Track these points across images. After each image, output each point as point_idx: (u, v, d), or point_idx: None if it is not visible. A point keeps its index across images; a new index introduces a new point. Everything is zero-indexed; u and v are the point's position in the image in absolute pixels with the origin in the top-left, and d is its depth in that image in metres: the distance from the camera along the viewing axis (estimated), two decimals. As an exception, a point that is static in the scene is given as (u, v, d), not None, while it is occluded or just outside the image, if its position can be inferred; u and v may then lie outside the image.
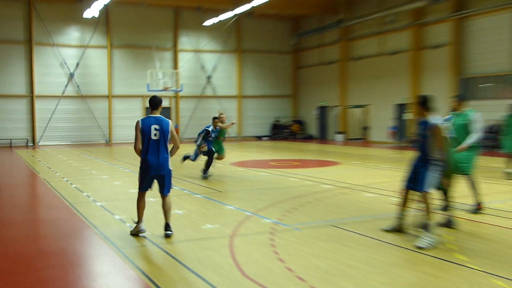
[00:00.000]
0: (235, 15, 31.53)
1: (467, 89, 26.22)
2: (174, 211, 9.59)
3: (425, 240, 7.05)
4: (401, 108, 30.26)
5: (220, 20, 32.53)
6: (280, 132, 37.66)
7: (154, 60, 33.40)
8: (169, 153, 7.61)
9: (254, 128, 37.80)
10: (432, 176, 7.32)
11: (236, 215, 9.29)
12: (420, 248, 6.92)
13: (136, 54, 34.23)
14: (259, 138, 37.30)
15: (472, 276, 5.84)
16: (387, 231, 7.87)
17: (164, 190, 7.58)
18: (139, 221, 7.61)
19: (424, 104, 7.53)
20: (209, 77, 36.35)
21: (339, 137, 34.39)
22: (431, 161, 7.32)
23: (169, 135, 7.51)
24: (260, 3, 27.94)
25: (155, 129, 7.34)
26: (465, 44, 26.26)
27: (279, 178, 14.74)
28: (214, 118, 14.87)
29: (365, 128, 34.42)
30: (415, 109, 7.30)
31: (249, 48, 37.71)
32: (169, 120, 7.60)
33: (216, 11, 32.23)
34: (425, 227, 7.25)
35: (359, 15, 30.58)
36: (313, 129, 37.90)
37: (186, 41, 35.71)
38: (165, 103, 33.87)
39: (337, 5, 31.66)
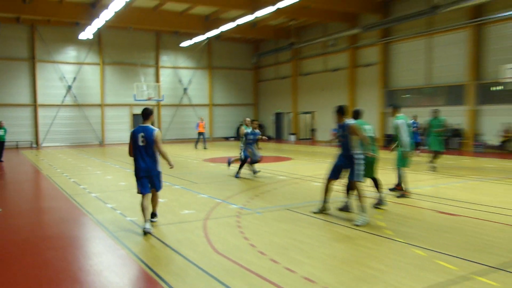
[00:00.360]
0: (207, 38, 31.45)
1: (392, 99, 26.75)
2: (161, 200, 9.53)
3: (360, 219, 7.21)
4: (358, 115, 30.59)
5: (194, 42, 32.40)
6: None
7: (140, 75, 33.01)
8: (157, 157, 7.12)
9: (222, 130, 37.72)
10: (359, 168, 7.50)
11: (209, 202, 9.26)
12: (357, 225, 7.07)
13: (124, 69, 33.69)
14: (226, 138, 37.22)
15: (397, 247, 5.97)
16: (315, 212, 8.03)
17: (156, 187, 7.25)
18: (145, 221, 6.88)
19: (340, 111, 7.81)
20: (185, 89, 36.11)
21: (292, 138, 34.60)
22: (354, 156, 7.51)
23: (153, 143, 7.01)
24: (227, 28, 27.94)
25: (142, 136, 7.00)
26: (390, 63, 26.81)
27: (243, 171, 14.73)
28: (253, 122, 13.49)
29: (313, 130, 34.75)
30: (335, 116, 7.51)
31: (218, 65, 37.59)
32: (156, 129, 7.09)
33: (190, 35, 32.07)
34: (359, 209, 7.43)
35: (307, 39, 30.81)
36: (270, 131, 38.03)
37: (166, 59, 35.35)
38: (149, 111, 33.71)
39: (289, 31, 31.89)
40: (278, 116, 37.31)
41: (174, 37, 34.55)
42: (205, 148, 25.59)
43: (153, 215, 7.52)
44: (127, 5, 21.19)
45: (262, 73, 39.16)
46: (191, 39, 31.86)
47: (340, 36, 27.84)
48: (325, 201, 8.03)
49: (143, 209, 6.95)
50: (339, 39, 28.64)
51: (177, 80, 35.89)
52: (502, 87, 20.93)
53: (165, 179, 12.65)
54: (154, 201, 7.43)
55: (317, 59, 32.53)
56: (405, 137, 9.26)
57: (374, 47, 27.52)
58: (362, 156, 7.60)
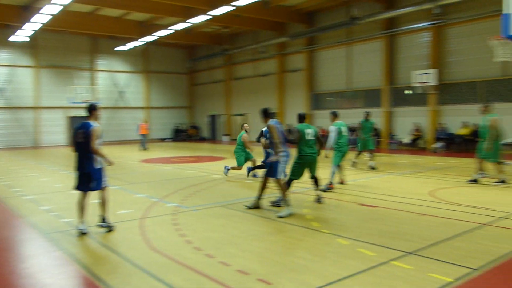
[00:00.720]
0: (143, 43, 30.70)
1: (317, 102, 27.55)
2: (93, 201, 9.11)
3: (283, 212, 7.37)
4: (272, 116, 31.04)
5: (131, 47, 31.46)
6: (179, 135, 37.12)
7: (75, 78, 31.62)
8: (93, 154, 6.38)
9: (159, 132, 36.89)
10: (279, 166, 7.62)
11: (145, 202, 8.99)
12: (280, 217, 7.23)
13: (60, 73, 31.99)
14: (163, 140, 36.48)
15: (324, 238, 6.10)
16: (249, 207, 8.07)
17: (92, 186, 6.49)
18: (81, 221, 6.44)
19: (264, 113, 8.14)
20: (122, 92, 34.98)
21: (226, 138, 34.54)
22: (278, 154, 7.60)
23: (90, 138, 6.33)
24: (162, 34, 27.40)
25: (81, 132, 6.42)
26: (315, 69, 27.53)
27: (179, 171, 14.51)
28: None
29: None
30: (261, 118, 7.72)
31: (154, 70, 36.74)
32: (94, 125, 6.43)
33: (127, 39, 31.05)
34: (282, 202, 7.63)
35: (239, 46, 30.95)
36: (205, 133, 37.78)
37: (102, 63, 34.01)
38: (85, 114, 32.31)
39: (222, 38, 31.85)
40: (213, 118, 37.14)
41: (111, 42, 33.33)
42: (145, 149, 24.87)
43: (103, 219, 6.70)
44: (62, 9, 20.13)
45: (197, 77, 38.81)
46: (127, 43, 30.93)
47: (269, 44, 28.25)
48: (259, 197, 8.07)
49: (81, 208, 6.49)
50: (268, 46, 29.03)
51: (113, 84, 34.67)
52: (411, 91, 22.18)
53: (102, 180, 12.23)
54: (101, 204, 6.71)
55: (249, 65, 32.74)
56: (331, 141, 10.14)
57: (300, 54, 28.14)
58: (285, 154, 7.69)
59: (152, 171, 14.63)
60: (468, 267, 4.78)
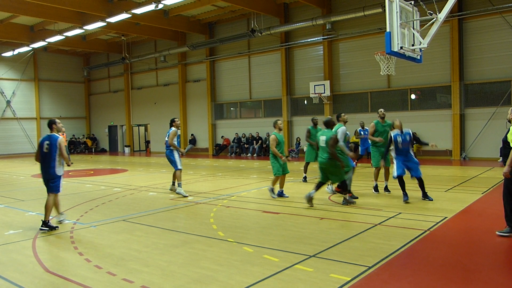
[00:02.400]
0: (32, 48, 28.54)
1: (220, 112, 27.76)
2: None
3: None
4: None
5: (18, 53, 29.00)
6: (76, 147, 34.95)
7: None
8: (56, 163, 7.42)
9: (53, 144, 34.38)
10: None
11: (38, 220, 8.27)
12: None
13: None
14: (57, 152, 34.08)
15: (229, 246, 6.11)
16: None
17: (49, 190, 7.61)
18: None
19: (171, 123, 10.13)
20: (8, 102, 32.01)
21: (127, 150, 33.34)
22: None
23: (57, 149, 7.39)
24: (55, 40, 25.74)
25: (47, 144, 7.39)
26: (217, 79, 27.75)
27: (76, 185, 13.65)
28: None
29: (147, 142, 33.99)
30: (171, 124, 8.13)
31: (46, 78, 34.20)
32: (60, 137, 7.48)
33: (13, 45, 28.67)
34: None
35: (139, 55, 30.13)
36: (105, 144, 36.07)
37: (-17, 70, 30.98)
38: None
39: (121, 46, 30.77)
40: (112, 129, 35.60)
41: (-6, 47, 30.50)
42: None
43: (44, 223, 7.35)
44: None
45: (94, 86, 36.98)
46: (14, 49, 28.48)
47: (169, 53, 27.91)
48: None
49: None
50: (169, 56, 28.66)
51: (-1, 92, 31.67)
52: (306, 101, 23.31)
53: (-14, 199, 11.06)
54: (46, 204, 7.52)
55: (149, 74, 32.00)
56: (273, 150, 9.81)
57: (202, 64, 28.19)
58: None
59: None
60: (363, 265, 5.09)
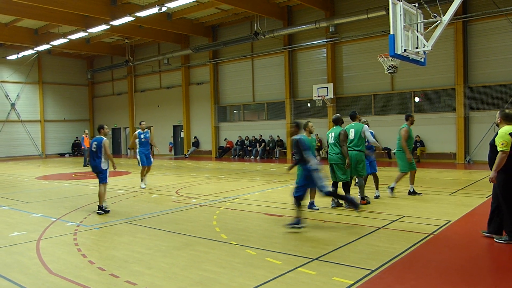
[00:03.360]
0: (36, 52, 28.70)
1: (223, 115, 27.80)
2: (-19, 224, 8.27)
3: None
4: (178, 128, 30.74)
5: (22, 56, 29.16)
6: (80, 149, 35.05)
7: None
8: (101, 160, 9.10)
9: (57, 147, 34.45)
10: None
11: (42, 222, 8.33)
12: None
13: None
14: (62, 155, 34.19)
15: (231, 249, 6.12)
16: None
17: (99, 181, 9.27)
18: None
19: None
20: (13, 104, 32.15)
21: (130, 152, 33.43)
22: None
23: (102, 148, 9.04)
24: (59, 43, 25.86)
25: (95, 144, 9.03)
26: (220, 82, 27.79)
27: (80, 187, 13.70)
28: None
29: (150, 144, 34.04)
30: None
31: (50, 80, 34.30)
32: (104, 139, 9.06)
33: (18, 48, 28.84)
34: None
35: (142, 58, 30.22)
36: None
37: (-12, 73, 31.16)
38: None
39: (124, 49, 30.88)
40: (116, 131, 35.70)
41: (-1, 50, 30.70)
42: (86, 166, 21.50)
43: (100, 208, 9.08)
44: None
45: (98, 89, 37.10)
46: (18, 52, 28.64)
47: (173, 56, 27.98)
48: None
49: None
50: (173, 59, 28.74)
51: (3, 95, 31.78)
52: (309, 104, 23.32)
53: (-10, 201, 11.13)
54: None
55: (153, 76, 32.08)
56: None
57: (205, 67, 28.23)
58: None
59: (49, 189, 13.62)
60: (367, 269, 5.08)
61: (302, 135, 7.58)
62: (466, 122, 18.80)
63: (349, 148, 8.99)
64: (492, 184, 6.21)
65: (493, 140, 6.08)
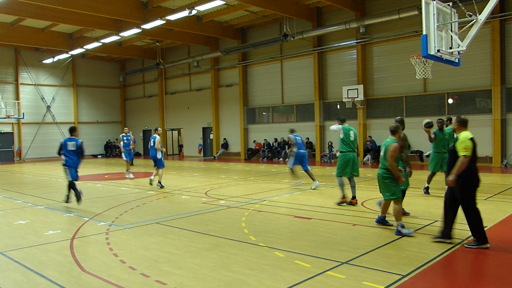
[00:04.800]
0: (71, 55, 29.56)
1: (252, 117, 27.88)
2: (19, 222, 8.58)
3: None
4: (207, 130, 31.03)
5: (58, 59, 30.10)
6: (112, 151, 35.86)
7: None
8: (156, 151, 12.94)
9: (90, 148, 35.20)
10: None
11: (76, 221, 8.57)
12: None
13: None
14: (95, 156, 35.06)
15: (260, 251, 6.13)
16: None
17: (158, 166, 13.42)
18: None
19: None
20: (48, 107, 33.22)
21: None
22: None
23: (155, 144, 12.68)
24: (92, 47, 26.57)
25: (152, 141, 12.55)
26: (249, 84, 27.88)
27: (112, 188, 14.00)
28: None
29: (180, 146, 34.49)
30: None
31: (84, 83, 35.31)
32: (157, 137, 12.91)
33: (53, 52, 29.77)
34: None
35: (173, 60, 30.65)
36: (139, 148, 36.82)
37: (26, 76, 32.19)
38: (7, 129, 30.47)
39: (155, 52, 31.42)
40: (147, 133, 36.32)
41: (36, 54, 31.75)
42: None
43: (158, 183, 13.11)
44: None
45: (129, 92, 37.88)
46: (54, 56, 29.57)
47: (203, 58, 28.27)
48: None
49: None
50: (202, 61, 29.03)
51: (39, 98, 32.89)
52: (339, 106, 23.11)
53: (26, 199, 11.52)
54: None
55: (183, 79, 32.51)
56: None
57: (234, 69, 28.40)
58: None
59: (82, 189, 13.90)
60: (397, 274, 5.00)
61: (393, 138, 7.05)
62: (503, 124, 18.22)
63: (349, 149, 9.43)
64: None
65: (454, 146, 6.19)
